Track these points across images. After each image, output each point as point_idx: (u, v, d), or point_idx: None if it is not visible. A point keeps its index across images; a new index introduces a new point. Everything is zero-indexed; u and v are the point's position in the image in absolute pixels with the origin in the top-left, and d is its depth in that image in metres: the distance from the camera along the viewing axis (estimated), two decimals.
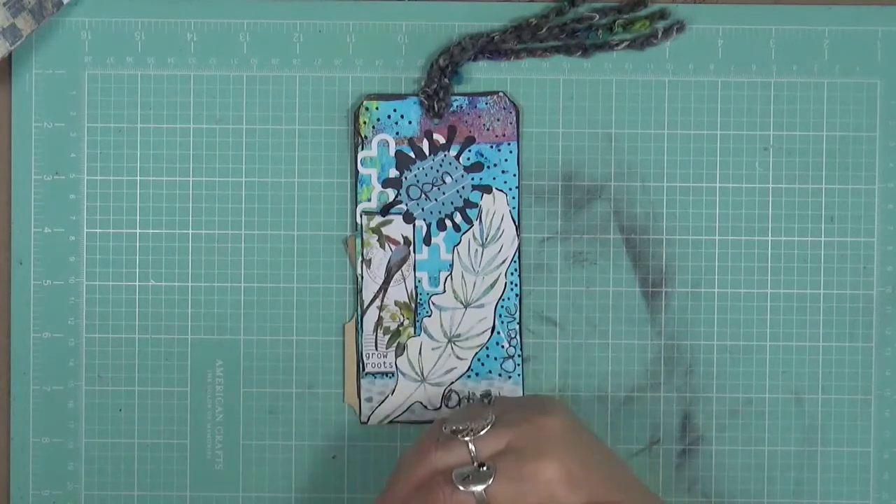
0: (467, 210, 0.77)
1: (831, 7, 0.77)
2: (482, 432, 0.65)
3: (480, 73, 0.77)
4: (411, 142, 0.77)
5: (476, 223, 0.77)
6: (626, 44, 0.77)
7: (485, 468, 0.65)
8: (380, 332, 0.77)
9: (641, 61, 0.77)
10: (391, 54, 0.77)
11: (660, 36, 0.77)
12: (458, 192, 0.77)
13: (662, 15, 0.76)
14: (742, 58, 0.77)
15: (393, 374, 0.77)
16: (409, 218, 0.77)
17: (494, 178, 0.77)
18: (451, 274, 0.77)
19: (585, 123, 0.77)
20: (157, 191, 0.77)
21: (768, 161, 0.77)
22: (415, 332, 0.77)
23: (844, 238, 0.76)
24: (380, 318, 0.77)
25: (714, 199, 0.77)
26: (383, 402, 0.77)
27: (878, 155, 0.77)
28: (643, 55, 0.77)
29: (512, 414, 0.67)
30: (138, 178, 0.77)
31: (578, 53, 0.76)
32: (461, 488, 0.64)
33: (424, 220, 0.77)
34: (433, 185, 0.76)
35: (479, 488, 0.64)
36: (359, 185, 0.77)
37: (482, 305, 0.77)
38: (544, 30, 0.76)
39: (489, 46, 0.76)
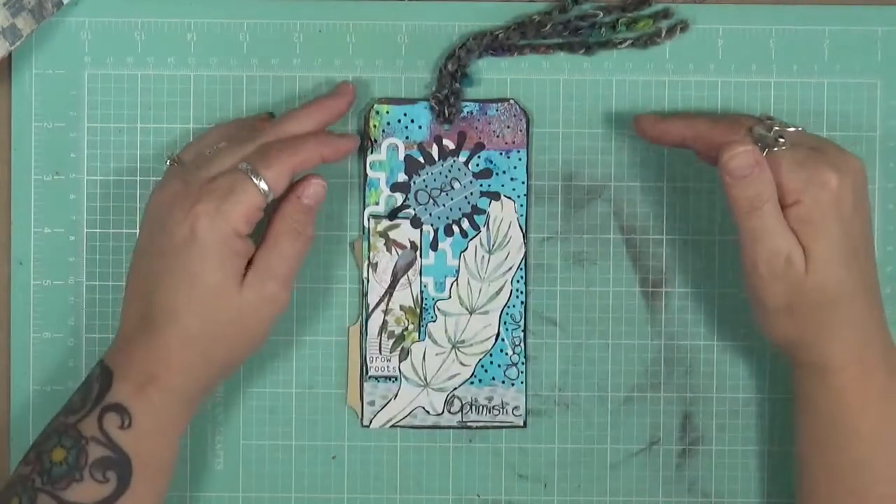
0: (475, 216, 0.77)
1: (831, 7, 0.77)
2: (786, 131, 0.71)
3: (481, 74, 0.77)
4: (421, 146, 0.77)
5: (483, 230, 0.77)
6: (629, 42, 0.76)
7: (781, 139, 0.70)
8: (384, 336, 0.77)
9: (642, 61, 0.77)
10: (391, 54, 0.77)
11: (663, 35, 0.76)
12: (466, 198, 0.77)
13: (666, 14, 0.76)
14: (742, 58, 0.77)
15: (396, 379, 0.77)
16: (416, 222, 0.77)
17: (503, 185, 0.77)
18: (457, 280, 0.77)
19: (585, 123, 0.77)
20: None
21: None
22: (419, 337, 0.77)
23: None
24: (384, 322, 0.77)
25: (714, 199, 0.77)
26: (386, 405, 0.77)
27: (878, 155, 0.77)
28: (643, 55, 0.77)
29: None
30: (138, 178, 0.77)
31: (581, 51, 0.76)
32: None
33: (432, 225, 0.77)
34: (441, 190, 0.76)
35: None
36: (367, 189, 0.77)
37: (487, 312, 0.77)
38: (548, 27, 0.76)
39: (493, 44, 0.76)
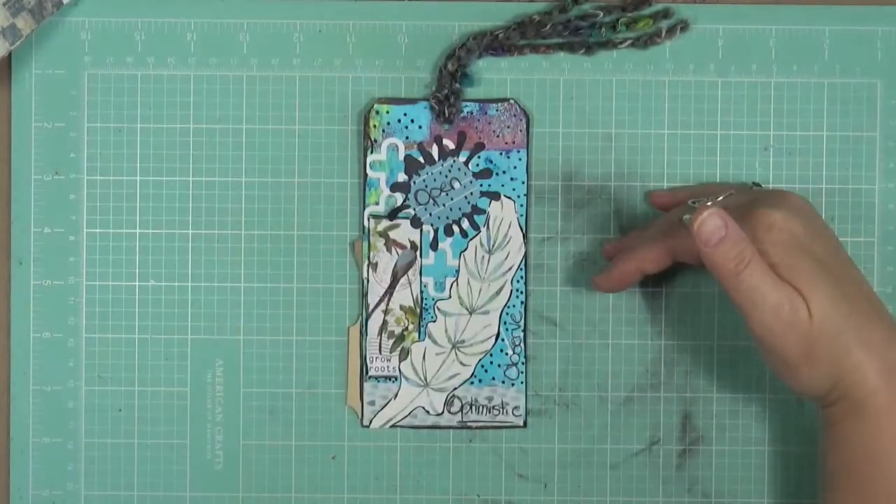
0: (475, 216, 0.77)
1: (831, 7, 0.77)
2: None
3: (481, 74, 0.77)
4: (421, 146, 0.77)
5: (483, 230, 0.77)
6: (629, 42, 0.77)
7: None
8: (384, 336, 0.77)
9: (642, 61, 0.77)
10: (391, 54, 0.77)
11: (663, 35, 0.77)
12: (466, 197, 0.77)
13: (666, 14, 0.76)
14: (742, 58, 0.77)
15: (396, 379, 0.77)
16: (416, 222, 0.77)
17: (503, 185, 0.77)
18: (456, 280, 0.77)
19: (585, 123, 0.77)
20: (157, 191, 0.77)
21: (768, 161, 0.77)
22: (419, 337, 0.77)
23: (845, 238, 0.76)
24: (384, 322, 0.77)
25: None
26: (385, 405, 0.77)
27: (878, 155, 0.77)
28: (643, 55, 0.77)
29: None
30: (138, 178, 0.77)
31: (582, 51, 0.76)
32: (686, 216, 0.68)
33: (432, 225, 0.77)
34: (441, 190, 0.76)
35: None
36: (367, 189, 0.77)
37: (487, 312, 0.77)
38: (548, 27, 0.76)
39: (493, 44, 0.76)
